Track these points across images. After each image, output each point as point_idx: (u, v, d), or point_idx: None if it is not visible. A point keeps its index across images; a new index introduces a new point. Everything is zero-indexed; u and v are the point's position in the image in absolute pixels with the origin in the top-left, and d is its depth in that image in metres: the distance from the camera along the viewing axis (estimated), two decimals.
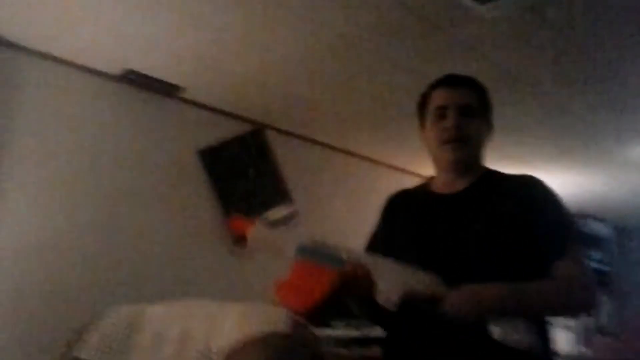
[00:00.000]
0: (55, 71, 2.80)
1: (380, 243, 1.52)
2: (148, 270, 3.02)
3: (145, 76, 2.96)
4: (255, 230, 1.41)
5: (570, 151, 4.16)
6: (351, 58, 2.74)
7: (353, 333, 3.35)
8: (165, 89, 3.11)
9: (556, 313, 1.48)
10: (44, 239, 2.68)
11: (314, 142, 3.96)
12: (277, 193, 3.63)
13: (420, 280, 1.27)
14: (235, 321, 1.99)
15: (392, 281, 1.28)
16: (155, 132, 3.17)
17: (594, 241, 6.20)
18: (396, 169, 4.52)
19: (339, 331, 3.40)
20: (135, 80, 2.99)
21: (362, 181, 4.28)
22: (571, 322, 4.87)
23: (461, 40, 2.54)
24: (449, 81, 1.49)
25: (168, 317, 2.13)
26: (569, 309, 1.43)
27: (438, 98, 1.47)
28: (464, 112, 1.43)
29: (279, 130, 3.73)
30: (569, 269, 1.29)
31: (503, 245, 1.32)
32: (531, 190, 1.43)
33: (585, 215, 6.05)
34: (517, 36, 2.50)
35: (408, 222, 1.50)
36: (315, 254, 1.41)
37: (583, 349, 4.34)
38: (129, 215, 2.99)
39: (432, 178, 1.56)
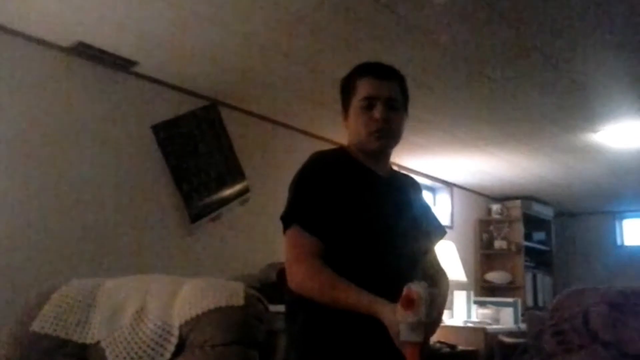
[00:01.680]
0: (4, 41, 2.70)
1: (329, 210, 1.47)
2: (103, 245, 2.99)
3: (98, 49, 2.90)
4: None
5: (516, 136, 4.31)
6: (305, 36, 2.76)
7: None
8: (118, 63, 3.05)
9: None
10: None
11: (268, 119, 3.96)
12: (230, 169, 3.63)
13: None
14: (193, 295, 2.02)
15: None
16: (109, 107, 3.11)
17: (537, 223, 6.47)
18: None
19: None
20: (88, 53, 2.92)
21: None
22: (512, 300, 5.12)
23: (413, 24, 2.60)
24: (377, 73, 1.57)
25: (125, 291, 2.14)
26: None
27: (366, 88, 1.54)
28: (390, 105, 1.54)
29: (233, 107, 3.72)
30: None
31: (425, 230, 1.66)
32: (419, 184, 1.80)
33: (529, 198, 6.30)
34: (466, 21, 2.57)
35: (359, 197, 1.52)
36: None
37: (520, 324, 4.59)
38: (82, 191, 2.95)
39: (349, 147, 1.64)
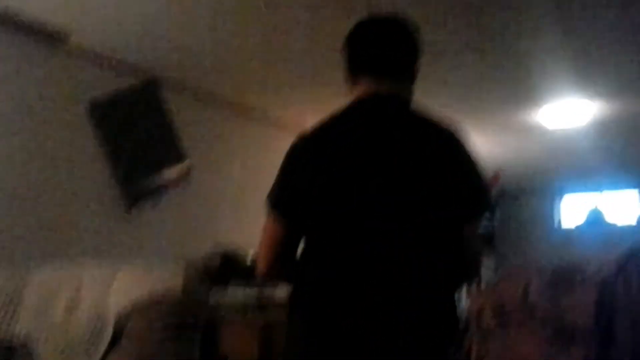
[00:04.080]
0: None
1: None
2: (35, 230, 2.84)
3: (25, 20, 2.72)
4: None
5: (458, 113, 4.33)
6: (252, 17, 2.69)
7: (251, 294, 3.36)
8: (48, 36, 2.88)
9: None
10: None
11: (211, 98, 3.85)
12: (170, 150, 3.51)
13: None
14: (129, 283, 1.94)
15: None
16: (39, 83, 2.94)
17: None
18: (297, 131, 4.51)
19: (238, 293, 3.40)
20: (16, 23, 2.73)
21: (260, 141, 4.25)
22: None
23: (372, 5, 2.55)
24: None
25: (58, 280, 2.04)
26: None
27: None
28: None
29: (174, 85, 3.58)
30: None
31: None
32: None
33: None
34: (425, 4, 2.54)
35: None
36: None
37: (465, 300, 4.71)
38: (10, 174, 2.78)
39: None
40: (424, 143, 1.31)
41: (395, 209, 1.26)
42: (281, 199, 1.35)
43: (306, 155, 1.35)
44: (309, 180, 1.32)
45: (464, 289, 5.21)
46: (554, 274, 1.11)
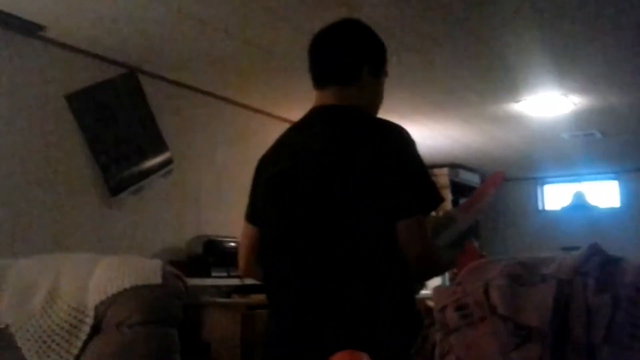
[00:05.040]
0: None
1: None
2: (15, 221, 2.84)
3: (1, 12, 2.69)
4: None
5: (443, 106, 4.39)
6: (232, 5, 2.68)
7: (233, 282, 3.39)
8: (24, 27, 2.85)
9: None
10: None
11: (191, 88, 3.84)
12: (151, 140, 3.51)
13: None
14: (108, 274, 1.94)
15: None
16: (18, 75, 2.92)
17: (464, 189, 6.68)
18: (278, 117, 4.52)
19: (220, 280, 3.43)
20: None
21: (243, 129, 4.25)
22: None
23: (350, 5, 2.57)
24: None
25: (37, 272, 2.03)
26: None
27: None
28: None
29: (154, 75, 3.58)
30: None
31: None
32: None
33: (456, 166, 6.48)
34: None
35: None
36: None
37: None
38: None
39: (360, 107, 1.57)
40: (359, 146, 1.32)
41: (323, 210, 1.32)
42: (247, 209, 1.54)
43: (260, 170, 1.50)
44: (258, 192, 1.48)
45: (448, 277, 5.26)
46: (514, 272, 1.14)
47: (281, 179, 1.41)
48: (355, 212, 1.29)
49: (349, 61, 1.44)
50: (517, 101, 4.19)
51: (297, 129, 1.49)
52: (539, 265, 1.19)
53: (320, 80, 1.45)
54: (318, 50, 1.47)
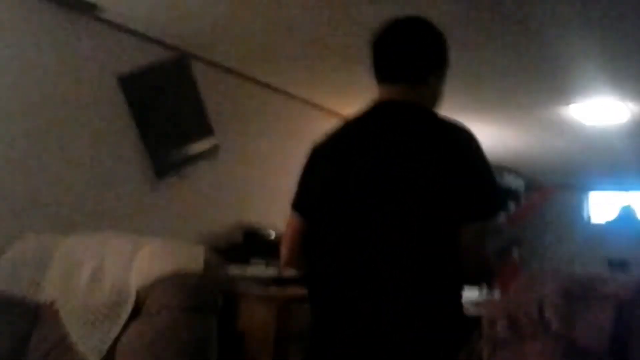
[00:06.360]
0: None
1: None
2: (64, 199, 2.88)
3: None
4: None
5: (489, 104, 4.28)
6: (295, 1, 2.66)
7: (271, 272, 3.39)
8: (81, 6, 2.88)
9: None
10: None
11: (240, 74, 3.83)
12: (199, 125, 3.52)
13: None
14: (151, 258, 1.97)
15: None
16: (73, 54, 2.96)
17: (508, 193, 6.54)
18: (327, 111, 4.50)
19: (258, 270, 3.43)
20: None
21: (291, 120, 4.24)
22: None
23: None
24: None
25: (83, 250, 2.08)
26: None
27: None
28: None
29: (204, 60, 3.58)
30: None
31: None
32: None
33: (501, 168, 6.35)
34: None
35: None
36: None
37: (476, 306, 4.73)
38: (45, 143, 2.82)
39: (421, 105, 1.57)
40: (428, 146, 1.32)
41: (386, 207, 1.31)
42: (296, 198, 1.51)
43: (315, 160, 1.49)
44: (316, 182, 1.45)
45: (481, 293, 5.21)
46: (570, 289, 1.09)
47: (345, 174, 1.38)
48: (420, 214, 1.27)
49: (422, 64, 1.46)
50: (568, 105, 4.05)
51: (361, 121, 1.46)
52: (594, 281, 1.15)
53: (388, 76, 1.45)
54: (388, 47, 1.46)
